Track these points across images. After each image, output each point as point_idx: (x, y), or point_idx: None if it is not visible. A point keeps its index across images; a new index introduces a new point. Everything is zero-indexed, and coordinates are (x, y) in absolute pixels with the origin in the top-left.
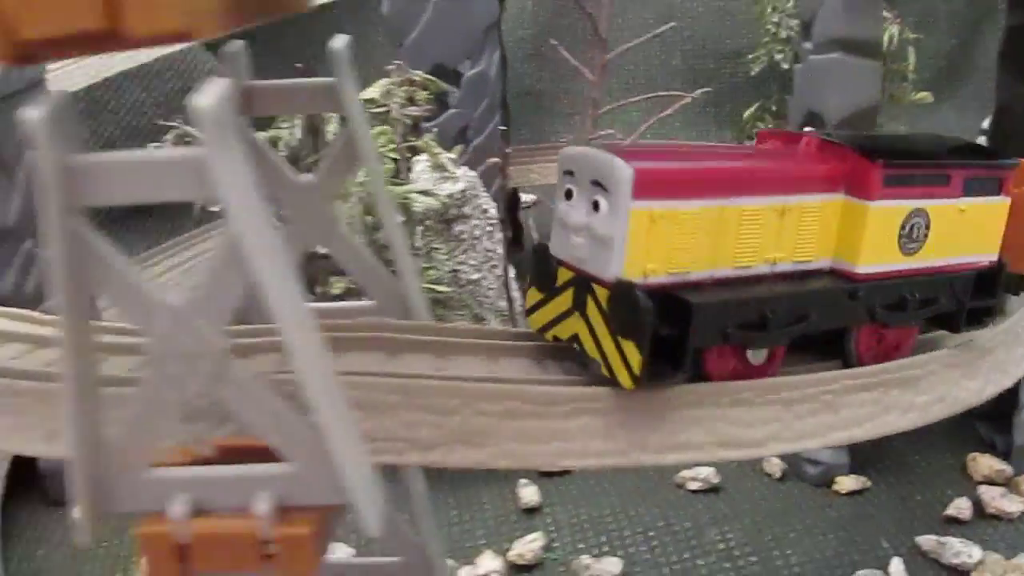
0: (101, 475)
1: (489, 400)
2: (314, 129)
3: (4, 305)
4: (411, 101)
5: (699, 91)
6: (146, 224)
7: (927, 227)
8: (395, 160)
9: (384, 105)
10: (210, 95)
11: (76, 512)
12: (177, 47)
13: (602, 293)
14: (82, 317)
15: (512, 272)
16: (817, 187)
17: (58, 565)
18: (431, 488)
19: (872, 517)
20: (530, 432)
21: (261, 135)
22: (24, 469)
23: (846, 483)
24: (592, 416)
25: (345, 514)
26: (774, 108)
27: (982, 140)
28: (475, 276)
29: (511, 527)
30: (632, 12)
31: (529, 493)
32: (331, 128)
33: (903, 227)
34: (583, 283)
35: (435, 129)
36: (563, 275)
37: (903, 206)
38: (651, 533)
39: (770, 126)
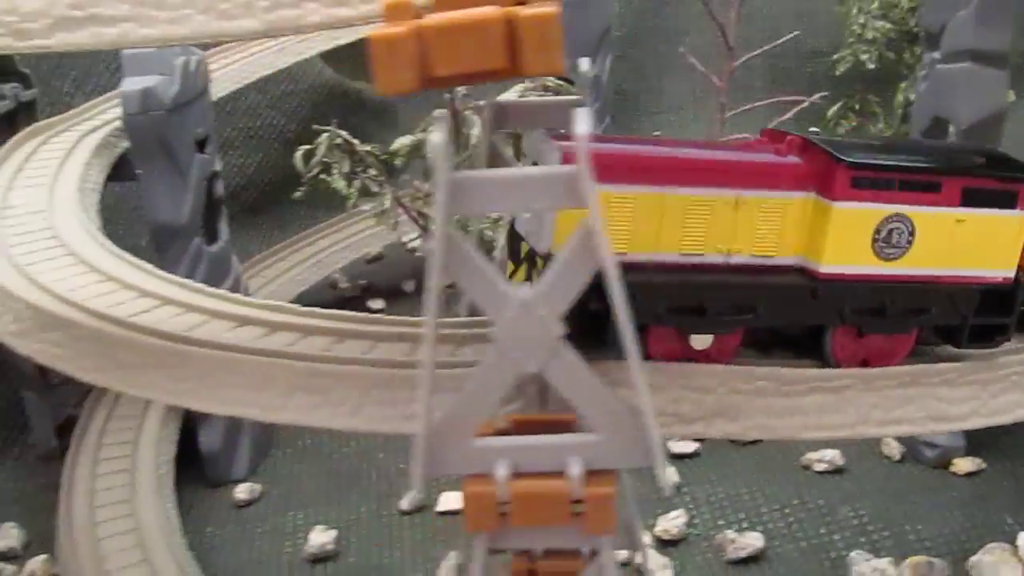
0: (435, 444)
1: (742, 380)
2: (457, 133)
3: None
4: None
5: (817, 95)
6: (259, 223)
7: (911, 234)
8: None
9: None
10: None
11: (414, 472)
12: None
13: (541, 265)
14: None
15: None
16: (781, 184)
17: (228, 541)
18: None
19: (992, 497)
20: (775, 408)
21: (409, 139)
22: (185, 453)
23: (963, 465)
24: (825, 394)
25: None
26: (857, 107)
27: None
28: None
29: (652, 505)
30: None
31: (668, 474)
32: (474, 132)
33: (878, 231)
34: (532, 255)
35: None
36: (524, 248)
37: (877, 209)
38: (787, 510)
39: (853, 124)
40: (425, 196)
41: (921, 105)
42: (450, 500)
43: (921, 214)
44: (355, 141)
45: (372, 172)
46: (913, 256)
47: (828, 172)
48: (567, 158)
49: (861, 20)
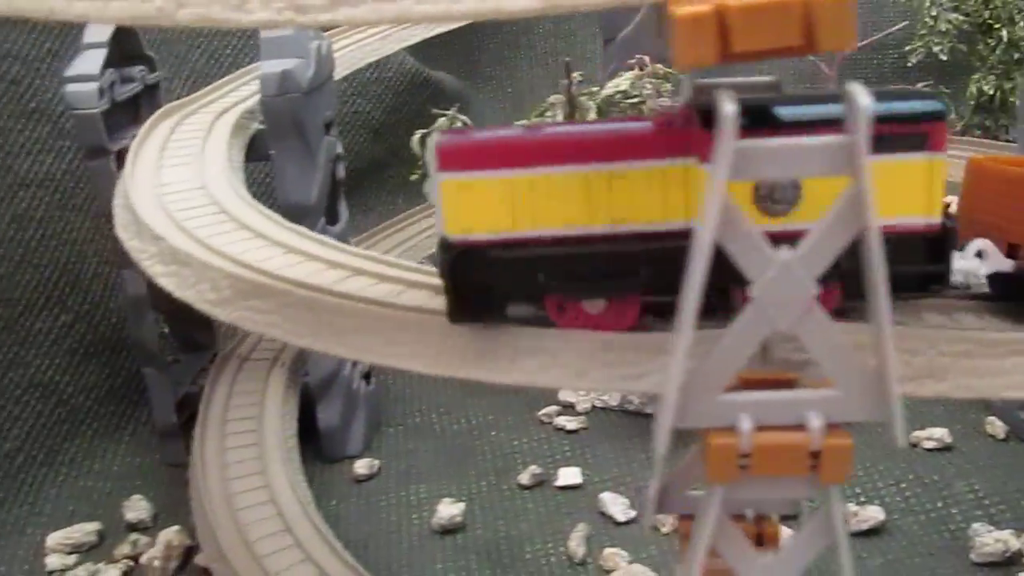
0: (682, 399)
1: (949, 343)
2: (571, 114)
3: None
4: (657, 93)
5: (920, 85)
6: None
7: (796, 189)
8: None
9: (636, 96)
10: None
11: (661, 425)
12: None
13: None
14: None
15: None
16: (655, 153)
17: (353, 513)
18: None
19: None
20: (979, 368)
21: (525, 123)
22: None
23: None
24: (1022, 356)
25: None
26: None
27: None
28: None
29: None
30: None
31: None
32: (590, 117)
33: (758, 188)
34: None
35: None
36: None
37: None
38: (903, 484)
39: None
40: None
41: None
42: (568, 475)
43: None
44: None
45: None
46: (803, 211)
47: (699, 138)
48: (443, 154)
49: (934, 12)
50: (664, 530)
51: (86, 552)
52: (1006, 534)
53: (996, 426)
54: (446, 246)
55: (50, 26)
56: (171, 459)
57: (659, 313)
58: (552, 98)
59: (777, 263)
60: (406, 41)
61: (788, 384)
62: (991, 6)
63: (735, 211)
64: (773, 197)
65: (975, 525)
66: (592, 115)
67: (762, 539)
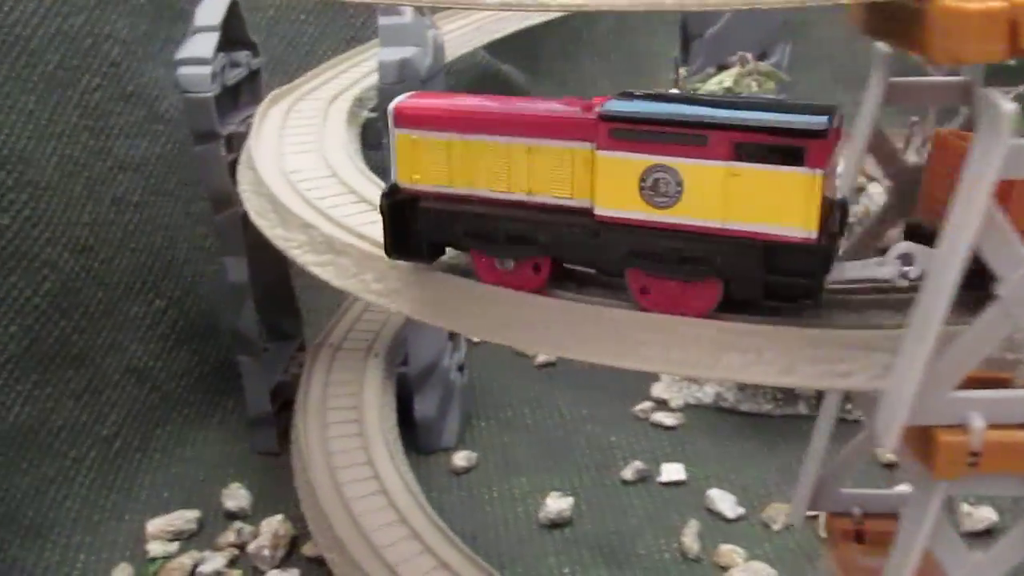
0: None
1: None
2: None
3: None
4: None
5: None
6: None
7: (679, 184)
8: None
9: (740, 93)
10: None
11: (888, 423)
12: None
13: None
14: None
15: None
16: (565, 135)
17: (457, 506)
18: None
19: None
20: None
21: None
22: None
23: None
24: None
25: None
26: None
27: None
28: None
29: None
30: None
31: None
32: None
33: (644, 180)
34: None
35: None
36: None
37: (637, 160)
38: None
39: None
40: None
41: None
42: (671, 471)
43: (686, 165)
44: None
45: None
46: (684, 205)
47: (594, 126)
48: (398, 114)
49: None
50: (775, 527)
51: (187, 539)
52: None
53: None
54: (394, 191)
55: (145, 7)
56: (263, 447)
57: (561, 281)
58: (672, 92)
59: None
60: (496, 34)
61: (1004, 383)
62: None
63: (994, 210)
64: (657, 191)
65: None
66: None
67: None
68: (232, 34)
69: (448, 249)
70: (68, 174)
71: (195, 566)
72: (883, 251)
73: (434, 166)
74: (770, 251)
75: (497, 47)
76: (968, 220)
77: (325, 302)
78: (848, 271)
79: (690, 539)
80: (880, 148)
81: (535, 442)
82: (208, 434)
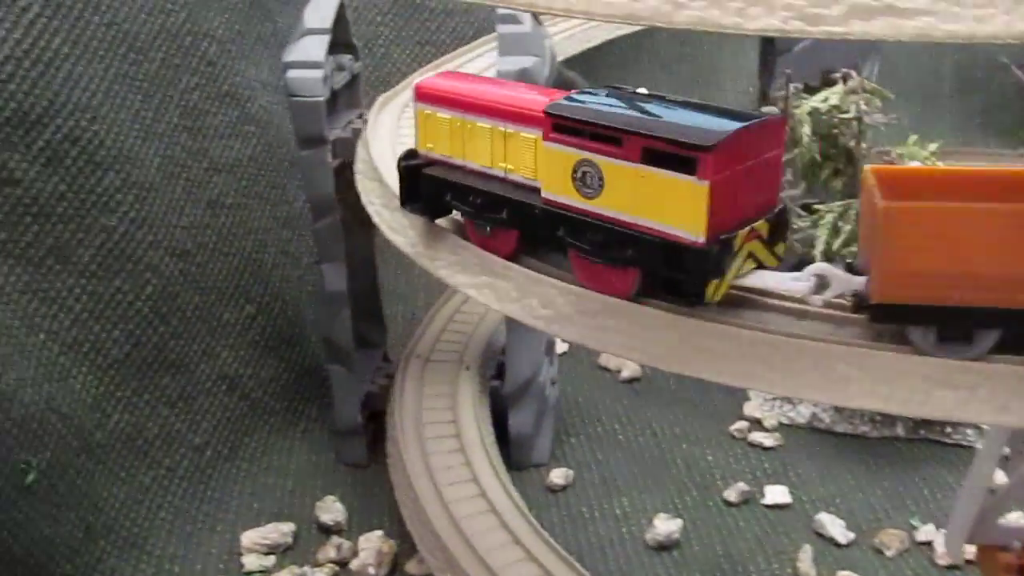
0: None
1: None
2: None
3: None
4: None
5: None
6: None
7: (600, 179)
8: None
9: (847, 111)
10: None
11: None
12: None
13: None
14: None
15: None
16: (527, 123)
17: (558, 525)
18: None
19: None
20: None
21: None
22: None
23: None
24: None
25: None
26: None
27: None
28: None
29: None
30: None
31: None
32: (805, 131)
33: (575, 171)
34: None
35: None
36: None
37: (570, 153)
38: None
39: None
40: None
41: None
42: (775, 494)
43: (606, 163)
44: None
45: None
46: (604, 198)
47: (542, 119)
48: (418, 91)
49: None
50: (889, 554)
51: (283, 553)
52: None
53: None
54: (410, 155)
55: (239, 4)
56: (351, 459)
57: (531, 250)
58: (764, 110)
59: None
60: (590, 42)
61: None
62: None
63: None
64: (585, 182)
65: None
66: (807, 129)
67: None
68: (338, 37)
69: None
70: (169, 175)
71: None
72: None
73: (441, 138)
74: (667, 249)
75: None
76: None
77: (400, 309)
78: (766, 279)
79: (806, 565)
80: None
81: (631, 460)
82: (293, 443)
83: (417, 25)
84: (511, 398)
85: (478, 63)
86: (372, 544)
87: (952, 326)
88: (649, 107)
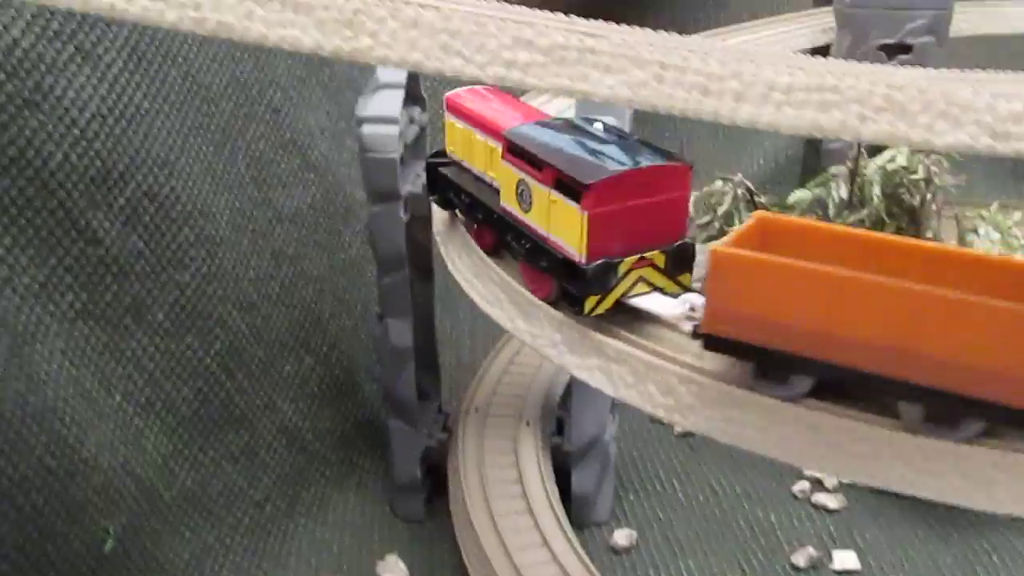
0: None
1: None
2: (851, 189)
3: None
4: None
5: None
6: None
7: (530, 197)
8: None
9: (915, 171)
10: None
11: None
12: None
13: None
14: None
15: None
16: (499, 141)
17: None
18: None
19: None
20: None
21: (808, 193)
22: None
23: None
24: None
25: None
26: None
27: None
28: None
29: None
30: None
31: None
32: (875, 191)
33: (517, 187)
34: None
35: None
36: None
37: (514, 171)
38: None
39: None
40: None
41: None
42: (845, 559)
43: (533, 184)
44: (756, 192)
45: None
46: (532, 213)
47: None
48: (448, 103)
49: None
50: None
51: None
52: None
53: None
54: (438, 154)
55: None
56: (409, 514)
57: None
58: (833, 169)
59: None
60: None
61: None
62: None
63: None
64: (522, 197)
65: None
66: (876, 189)
67: None
68: (410, 90)
69: None
70: (237, 227)
71: None
72: None
73: (458, 144)
74: (564, 263)
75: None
76: None
77: (448, 355)
78: (650, 302)
79: None
80: None
81: (692, 520)
82: (348, 496)
83: None
84: (575, 456)
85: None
86: None
87: (770, 366)
88: (584, 141)
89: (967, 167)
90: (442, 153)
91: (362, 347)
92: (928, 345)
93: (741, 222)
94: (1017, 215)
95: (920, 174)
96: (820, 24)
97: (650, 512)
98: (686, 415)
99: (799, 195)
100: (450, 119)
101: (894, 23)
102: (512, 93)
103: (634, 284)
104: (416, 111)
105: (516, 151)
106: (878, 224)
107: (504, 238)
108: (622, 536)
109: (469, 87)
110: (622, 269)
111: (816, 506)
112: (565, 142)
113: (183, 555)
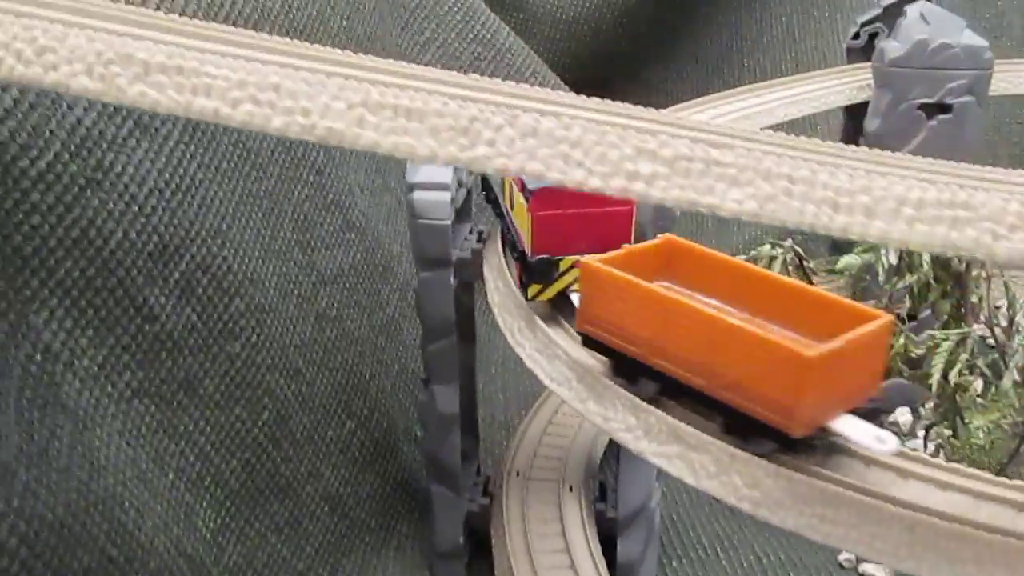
0: None
1: None
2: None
3: None
4: None
5: None
6: None
7: (512, 198)
8: None
9: None
10: None
11: None
12: None
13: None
14: None
15: None
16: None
17: None
18: None
19: None
20: None
21: (857, 259)
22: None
23: None
24: None
25: None
26: None
27: None
28: None
29: None
30: None
31: None
32: (925, 256)
33: (511, 189)
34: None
35: None
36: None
37: (519, 194)
38: None
39: None
40: None
41: None
42: None
43: (514, 188)
44: (805, 257)
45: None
46: (513, 212)
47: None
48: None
49: None
50: None
51: None
52: None
53: None
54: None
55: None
56: None
57: None
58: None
59: None
60: None
61: None
62: None
63: None
64: (512, 198)
65: None
66: (927, 256)
67: None
68: None
69: None
70: (284, 293)
71: None
72: None
73: (506, 193)
74: (521, 255)
75: None
76: None
77: (482, 415)
78: None
79: None
80: None
81: None
82: (388, 564)
83: None
84: (621, 524)
85: None
86: None
87: (622, 367)
88: None
89: None
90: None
91: (400, 408)
92: (724, 366)
93: None
94: None
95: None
96: (856, 81)
97: None
98: (774, 511)
99: (848, 261)
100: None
101: (934, 83)
102: None
103: (575, 280)
104: (464, 173)
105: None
106: (924, 288)
107: (505, 235)
108: None
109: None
110: (563, 265)
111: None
112: None
113: None
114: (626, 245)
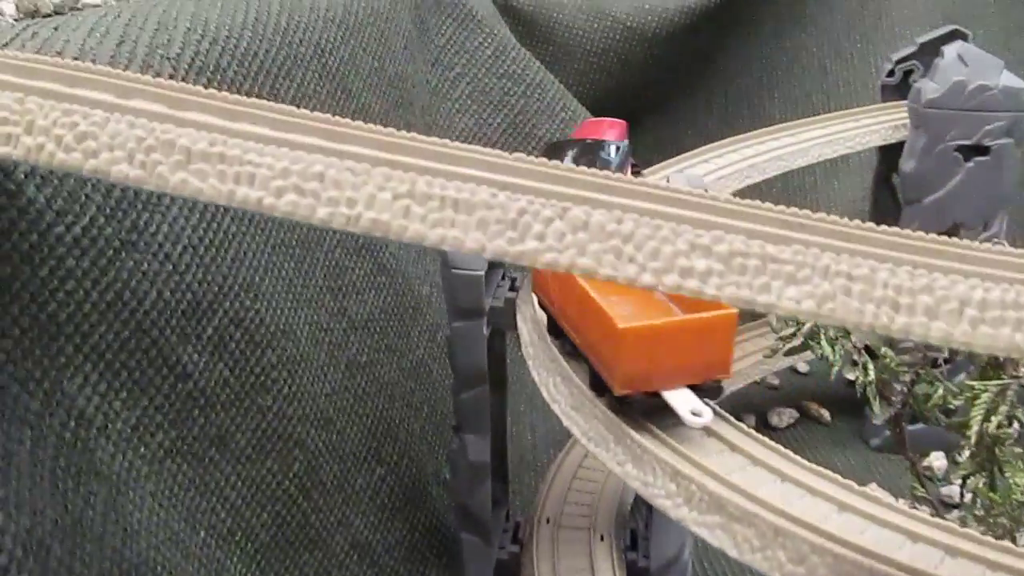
0: None
1: None
2: None
3: None
4: None
5: None
6: None
7: None
8: None
9: None
10: None
11: None
12: None
13: None
14: None
15: None
16: None
17: None
18: None
19: None
20: None
21: None
22: None
23: None
24: None
25: None
26: None
27: None
28: None
29: None
30: None
31: None
32: None
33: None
34: None
35: None
36: None
37: None
38: None
39: None
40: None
41: None
42: None
43: None
44: None
45: (854, 339)
46: None
47: None
48: None
49: None
50: None
51: None
52: None
53: None
54: None
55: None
56: None
57: None
58: None
59: None
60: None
61: None
62: None
63: None
64: None
65: None
66: None
67: None
68: None
69: None
70: (316, 342)
71: None
72: None
73: None
74: None
75: None
76: None
77: (510, 456)
78: None
79: None
80: None
81: None
82: None
83: None
84: (656, 574)
85: None
86: None
87: (553, 328)
88: None
89: None
90: None
91: (430, 450)
92: (586, 331)
93: (829, 340)
94: None
95: None
96: (892, 120)
97: None
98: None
99: None
100: None
101: (972, 124)
102: None
103: None
104: None
105: None
106: None
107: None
108: None
109: None
110: None
111: None
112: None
113: None
114: None
